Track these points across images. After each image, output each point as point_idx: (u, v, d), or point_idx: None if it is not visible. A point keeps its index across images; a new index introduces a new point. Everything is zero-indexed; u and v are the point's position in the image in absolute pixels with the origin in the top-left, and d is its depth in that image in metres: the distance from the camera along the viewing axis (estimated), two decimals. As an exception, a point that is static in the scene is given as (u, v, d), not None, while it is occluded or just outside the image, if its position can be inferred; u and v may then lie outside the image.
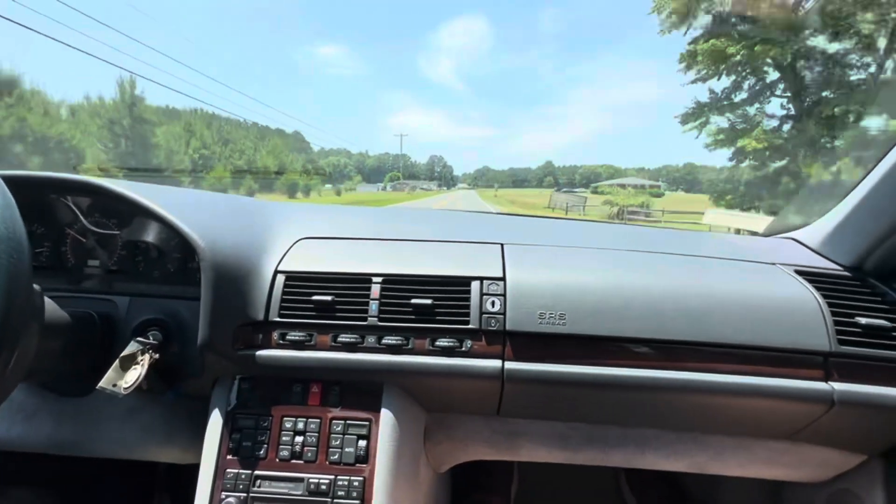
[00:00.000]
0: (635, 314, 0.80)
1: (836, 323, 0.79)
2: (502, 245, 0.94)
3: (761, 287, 0.85)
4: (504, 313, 0.81)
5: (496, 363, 0.79)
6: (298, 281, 0.85)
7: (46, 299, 0.71)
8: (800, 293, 0.83)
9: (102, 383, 0.75)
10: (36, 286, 0.63)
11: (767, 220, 1.21)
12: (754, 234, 1.40)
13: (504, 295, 0.82)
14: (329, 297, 0.82)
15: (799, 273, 0.88)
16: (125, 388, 0.75)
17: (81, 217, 0.94)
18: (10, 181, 0.61)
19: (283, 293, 0.84)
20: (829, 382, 0.77)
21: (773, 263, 0.92)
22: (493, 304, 0.81)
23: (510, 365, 0.79)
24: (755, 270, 0.91)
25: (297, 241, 0.94)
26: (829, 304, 0.81)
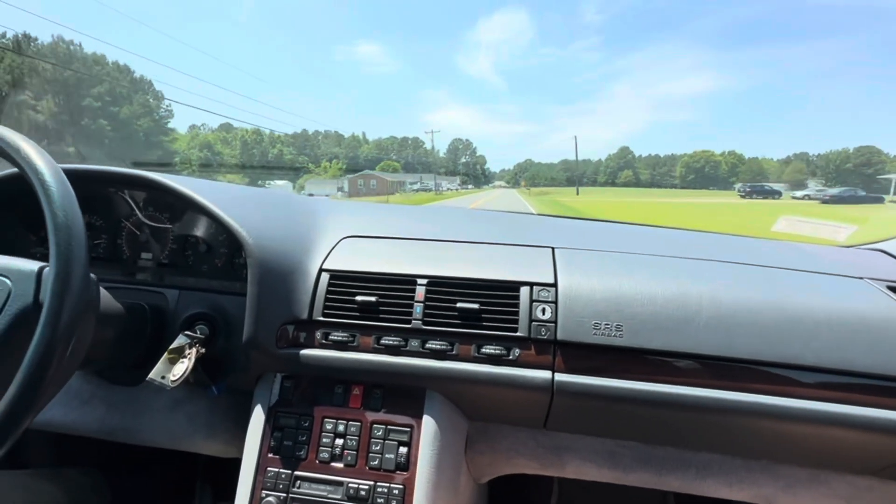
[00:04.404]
0: (701, 328, 0.73)
1: None
2: (553, 249, 0.89)
3: (847, 303, 0.76)
4: (555, 321, 0.76)
5: (545, 374, 0.75)
6: (343, 280, 0.83)
7: (101, 290, 0.73)
8: (894, 312, 0.74)
9: (152, 375, 0.77)
10: (92, 276, 0.64)
11: (849, 230, 1.09)
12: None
13: (555, 302, 0.77)
14: (373, 298, 0.80)
15: (893, 290, 0.79)
16: (173, 381, 0.76)
17: (137, 211, 0.97)
18: (71, 175, 0.62)
19: (328, 292, 0.82)
20: None
21: (861, 278, 0.83)
22: (543, 311, 0.77)
23: (561, 377, 0.74)
24: (839, 284, 0.82)
25: (342, 240, 0.92)
26: None
